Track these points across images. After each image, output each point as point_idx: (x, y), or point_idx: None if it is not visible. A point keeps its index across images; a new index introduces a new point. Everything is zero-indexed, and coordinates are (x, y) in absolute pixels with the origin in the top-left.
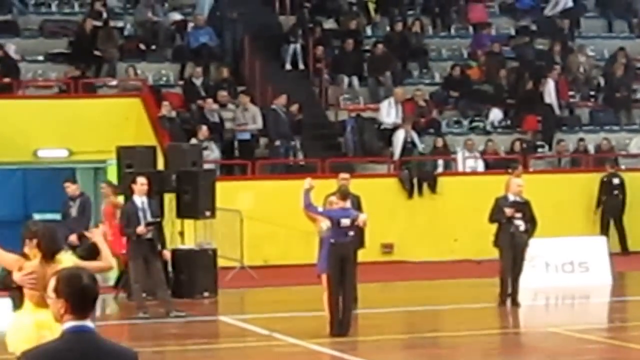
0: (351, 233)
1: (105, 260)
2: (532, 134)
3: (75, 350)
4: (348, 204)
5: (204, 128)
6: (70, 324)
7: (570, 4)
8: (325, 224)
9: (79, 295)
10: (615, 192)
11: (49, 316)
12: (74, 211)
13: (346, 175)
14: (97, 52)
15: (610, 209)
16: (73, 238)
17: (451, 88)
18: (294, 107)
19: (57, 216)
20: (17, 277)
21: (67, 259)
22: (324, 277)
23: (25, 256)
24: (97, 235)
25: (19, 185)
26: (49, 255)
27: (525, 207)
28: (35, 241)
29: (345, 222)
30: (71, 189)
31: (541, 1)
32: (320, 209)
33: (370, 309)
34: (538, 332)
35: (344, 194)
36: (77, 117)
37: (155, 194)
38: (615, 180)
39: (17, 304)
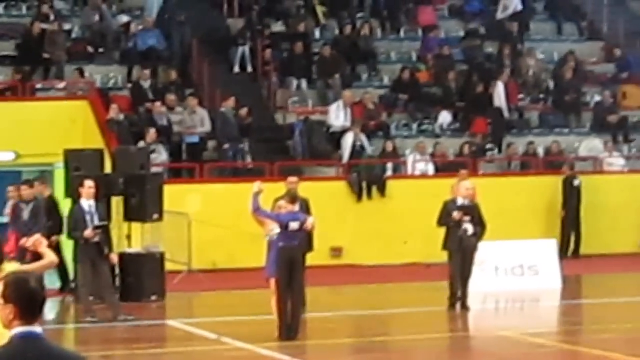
0: (300, 237)
1: (48, 258)
2: (481, 137)
3: (24, 356)
4: (297, 207)
5: (152, 131)
6: (19, 329)
7: (520, 7)
8: (274, 227)
9: (27, 300)
10: (575, 194)
11: None
12: (25, 215)
13: (294, 179)
14: (44, 55)
15: (570, 211)
16: (23, 241)
17: (400, 91)
18: (243, 110)
19: (3, 219)
20: None
21: (10, 267)
22: (273, 281)
23: None
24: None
25: None
26: None
27: (474, 210)
28: None
29: (294, 225)
30: (27, 192)
31: (490, 4)
32: (269, 213)
33: (319, 312)
34: (488, 336)
35: (292, 197)
36: (24, 120)
37: (102, 197)
38: (575, 182)
39: None
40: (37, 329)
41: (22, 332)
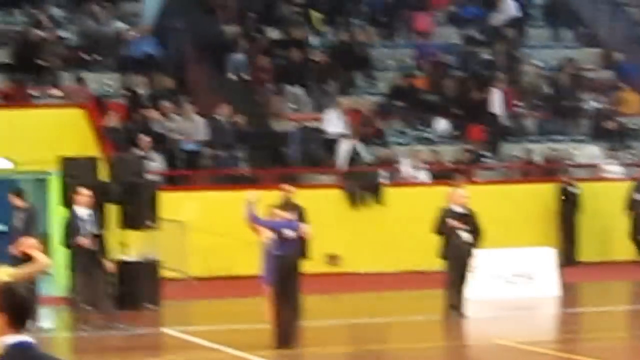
0: (295, 244)
1: (39, 261)
2: (477, 144)
3: None
4: (292, 215)
5: (147, 138)
6: (11, 339)
7: (515, 13)
8: (270, 234)
9: (17, 307)
10: (572, 201)
11: None
12: (19, 223)
13: (290, 187)
14: (39, 62)
15: (567, 218)
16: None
17: (396, 98)
18: (239, 117)
19: (4, 227)
20: None
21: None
22: (268, 288)
23: None
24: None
25: None
26: None
27: (470, 217)
28: None
29: (290, 233)
30: (15, 201)
31: (487, 10)
32: (264, 221)
33: (315, 320)
34: (484, 345)
35: (287, 205)
36: (20, 128)
37: (98, 204)
38: (572, 189)
39: None
40: (28, 338)
41: (14, 342)
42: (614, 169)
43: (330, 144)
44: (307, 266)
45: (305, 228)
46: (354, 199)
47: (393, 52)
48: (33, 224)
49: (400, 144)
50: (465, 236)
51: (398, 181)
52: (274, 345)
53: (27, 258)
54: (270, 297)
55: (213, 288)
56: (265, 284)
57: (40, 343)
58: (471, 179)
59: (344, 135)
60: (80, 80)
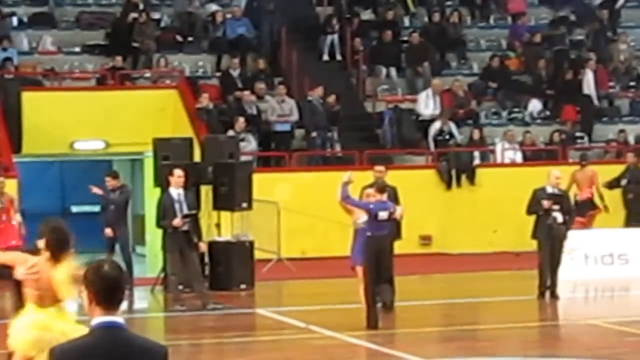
0: (388, 226)
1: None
2: (571, 125)
3: (103, 347)
4: (385, 196)
5: (241, 120)
6: (99, 319)
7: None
8: (361, 215)
9: (106, 287)
10: None
11: (48, 317)
12: (112, 204)
13: (381, 168)
14: (134, 44)
15: None
16: (108, 231)
17: (490, 79)
18: (331, 99)
19: (95, 208)
20: (19, 272)
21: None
22: (359, 269)
23: (36, 252)
24: None
25: (56, 178)
26: (55, 255)
27: (563, 198)
28: (44, 240)
29: (383, 215)
30: (110, 183)
31: None
32: (358, 201)
33: (408, 301)
34: (577, 325)
35: (381, 186)
36: (114, 109)
37: (191, 186)
38: None
39: (15, 301)
40: (117, 318)
41: (102, 321)
42: None
43: (423, 125)
44: (400, 247)
45: (398, 210)
46: (448, 180)
47: (486, 32)
48: (127, 205)
49: (493, 124)
50: (559, 217)
51: (491, 162)
52: (367, 325)
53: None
54: (362, 278)
55: (306, 269)
56: (354, 264)
57: (134, 324)
58: (565, 159)
59: (437, 117)
60: (174, 61)
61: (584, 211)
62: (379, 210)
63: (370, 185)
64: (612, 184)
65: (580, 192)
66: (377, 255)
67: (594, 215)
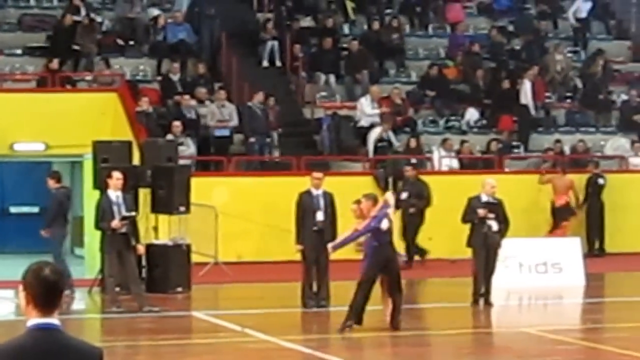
0: (390, 233)
1: None
2: (507, 134)
3: (38, 348)
4: (379, 206)
5: (177, 124)
6: (35, 321)
7: (584, 14)
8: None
9: (43, 289)
10: (599, 192)
11: None
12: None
13: (319, 174)
14: (75, 47)
15: (594, 209)
16: (43, 232)
17: (428, 87)
18: (271, 104)
19: (34, 209)
20: None
21: None
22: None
23: None
24: None
25: None
26: None
27: (498, 207)
28: None
29: (385, 224)
30: (49, 183)
31: (519, 2)
32: (364, 229)
33: (344, 306)
34: (510, 332)
35: (374, 198)
36: (54, 111)
37: (130, 188)
38: (600, 181)
39: None
40: (53, 320)
41: (37, 323)
42: None
43: (361, 132)
44: (338, 253)
45: (390, 209)
46: (385, 187)
47: (425, 41)
48: (67, 206)
49: (430, 132)
50: (494, 225)
51: (428, 170)
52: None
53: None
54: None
55: (242, 273)
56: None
57: (71, 325)
58: (501, 169)
59: (375, 124)
60: (114, 65)
61: (561, 217)
62: (380, 222)
63: (363, 197)
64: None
65: (557, 198)
66: (385, 264)
67: (568, 224)
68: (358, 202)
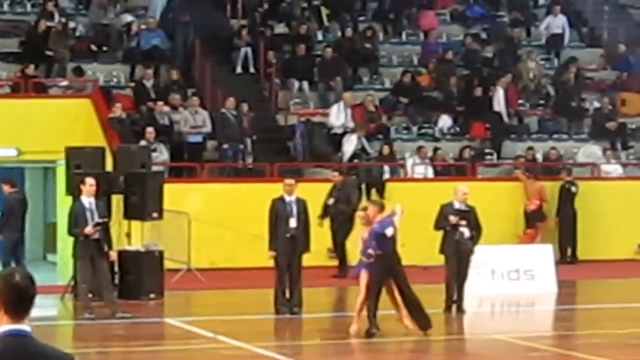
0: (393, 241)
1: None
2: (480, 142)
3: (9, 355)
4: (385, 213)
5: (150, 130)
6: (5, 327)
7: (559, 30)
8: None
9: (13, 296)
10: (571, 199)
11: None
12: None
13: (291, 181)
14: (48, 53)
15: (566, 216)
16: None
17: (401, 94)
18: (244, 111)
19: None
20: None
21: None
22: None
23: None
24: None
25: None
26: None
27: (470, 214)
28: None
29: (389, 231)
30: (3, 189)
31: (492, 9)
32: (372, 238)
33: (316, 313)
34: (482, 339)
35: (380, 205)
36: (27, 117)
37: (103, 194)
38: (572, 188)
39: None
40: (24, 327)
41: (8, 329)
42: (614, 168)
43: (334, 138)
44: (309, 259)
45: (397, 216)
46: (358, 194)
47: (398, 48)
48: (19, 211)
49: (403, 139)
50: (466, 232)
51: (401, 177)
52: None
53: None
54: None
55: (215, 279)
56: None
57: (43, 331)
58: (473, 175)
59: (348, 130)
60: (81, 70)
61: (532, 221)
62: (384, 227)
63: (370, 205)
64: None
65: (529, 203)
66: (390, 271)
67: (541, 227)
68: (365, 209)
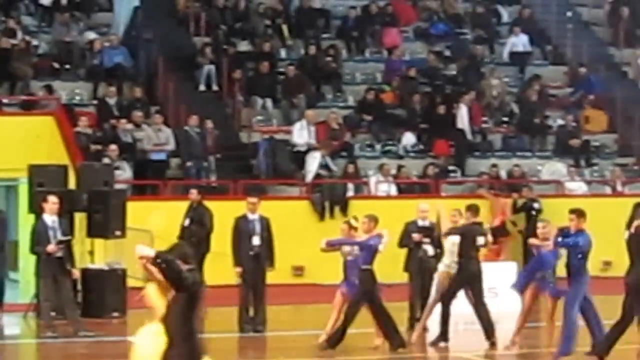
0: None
1: None
2: (444, 159)
3: None
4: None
5: (113, 147)
6: None
7: (521, 47)
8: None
9: None
10: (535, 217)
11: None
12: None
13: (254, 200)
14: (10, 70)
15: (529, 234)
16: None
17: (364, 112)
18: (208, 128)
19: None
20: None
21: None
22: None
23: None
24: None
25: None
26: None
27: (433, 231)
28: None
29: (381, 248)
30: None
31: (455, 27)
32: (367, 243)
33: (279, 331)
34: (445, 357)
35: (375, 218)
36: None
37: (65, 212)
38: (535, 206)
39: None
40: None
41: None
42: (578, 185)
43: (298, 156)
44: (273, 277)
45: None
46: (321, 211)
47: (361, 66)
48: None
49: (367, 157)
50: (430, 250)
51: (365, 194)
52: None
53: None
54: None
55: None
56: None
57: (5, 350)
58: (437, 193)
59: (311, 148)
60: (50, 88)
61: (497, 236)
62: (379, 242)
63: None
64: None
65: (492, 219)
66: (373, 291)
67: (504, 242)
68: (347, 222)
